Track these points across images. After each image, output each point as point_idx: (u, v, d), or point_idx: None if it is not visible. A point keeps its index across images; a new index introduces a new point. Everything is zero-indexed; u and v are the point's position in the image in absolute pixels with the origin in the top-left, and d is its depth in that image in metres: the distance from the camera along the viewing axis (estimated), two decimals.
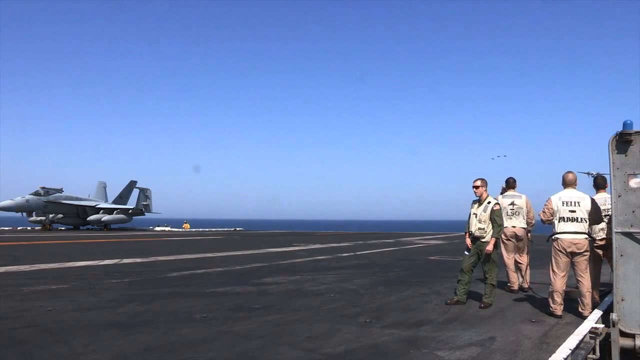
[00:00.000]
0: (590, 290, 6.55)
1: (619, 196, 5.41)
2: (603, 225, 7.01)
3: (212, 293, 8.27)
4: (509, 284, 8.68)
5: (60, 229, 46.05)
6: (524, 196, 8.79)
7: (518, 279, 8.77)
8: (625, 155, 5.41)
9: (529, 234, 8.90)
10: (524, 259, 8.79)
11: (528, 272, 8.87)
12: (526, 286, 8.80)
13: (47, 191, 45.53)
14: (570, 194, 6.65)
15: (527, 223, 8.72)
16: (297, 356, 4.56)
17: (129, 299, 7.50)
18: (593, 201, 6.64)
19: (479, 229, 7.18)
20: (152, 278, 10.24)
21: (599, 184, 7.47)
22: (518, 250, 8.76)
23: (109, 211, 48.75)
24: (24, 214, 45.18)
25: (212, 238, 32.15)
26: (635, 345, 5.19)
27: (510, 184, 8.98)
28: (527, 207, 8.69)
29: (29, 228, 46.01)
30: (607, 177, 7.41)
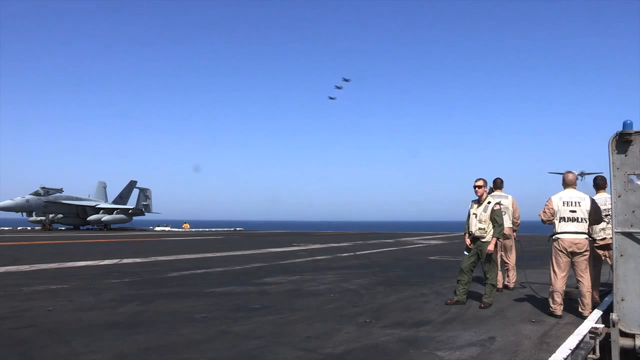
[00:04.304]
0: (590, 290, 6.55)
1: (619, 196, 5.40)
2: (603, 225, 7.02)
3: (212, 293, 8.27)
4: None
5: (60, 229, 46.06)
6: (510, 196, 9.04)
7: (503, 278, 8.91)
8: (625, 155, 5.40)
9: (514, 234, 9.13)
10: (510, 259, 9.01)
11: (514, 271, 9.01)
12: (511, 286, 8.90)
13: (47, 191, 45.59)
14: (570, 194, 6.65)
15: (513, 223, 8.97)
16: (297, 356, 4.56)
17: (129, 299, 7.49)
18: (593, 201, 6.64)
19: (480, 229, 7.18)
20: (152, 278, 10.24)
21: (599, 184, 7.47)
22: (505, 250, 8.95)
23: (109, 211, 48.79)
24: (24, 214, 45.23)
25: (212, 238, 32.17)
26: (635, 345, 5.19)
27: (497, 185, 9.18)
28: (512, 207, 8.97)
29: (29, 228, 46.05)
30: (603, 176, 7.46)
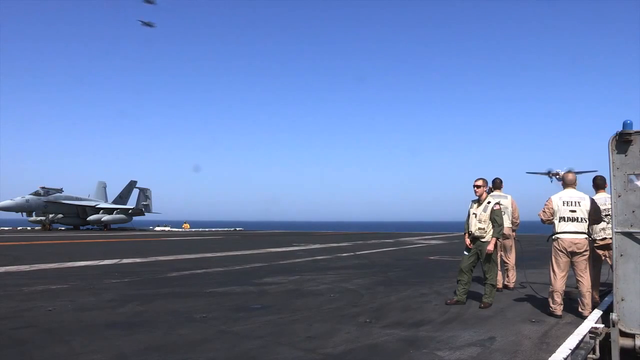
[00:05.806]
0: (590, 290, 6.55)
1: (619, 196, 5.40)
2: (603, 225, 7.02)
3: (212, 293, 8.27)
4: None
5: (60, 229, 46.07)
6: (509, 196, 9.05)
7: (503, 278, 8.93)
8: (625, 155, 5.40)
9: (514, 233, 9.14)
10: (510, 259, 9.03)
11: (514, 271, 9.02)
12: (511, 286, 8.92)
13: (47, 191, 45.60)
14: (570, 194, 6.66)
15: (512, 223, 8.98)
16: (297, 356, 4.56)
17: (128, 299, 7.49)
18: (593, 201, 6.64)
19: (479, 229, 7.18)
20: (152, 278, 10.24)
21: (599, 184, 7.47)
22: (504, 250, 8.96)
23: (109, 211, 48.80)
24: (24, 214, 45.23)
25: (211, 238, 32.18)
26: (635, 345, 5.19)
27: (496, 185, 9.20)
28: (512, 207, 8.98)
29: (29, 228, 46.06)
30: (594, 175, 7.47)
